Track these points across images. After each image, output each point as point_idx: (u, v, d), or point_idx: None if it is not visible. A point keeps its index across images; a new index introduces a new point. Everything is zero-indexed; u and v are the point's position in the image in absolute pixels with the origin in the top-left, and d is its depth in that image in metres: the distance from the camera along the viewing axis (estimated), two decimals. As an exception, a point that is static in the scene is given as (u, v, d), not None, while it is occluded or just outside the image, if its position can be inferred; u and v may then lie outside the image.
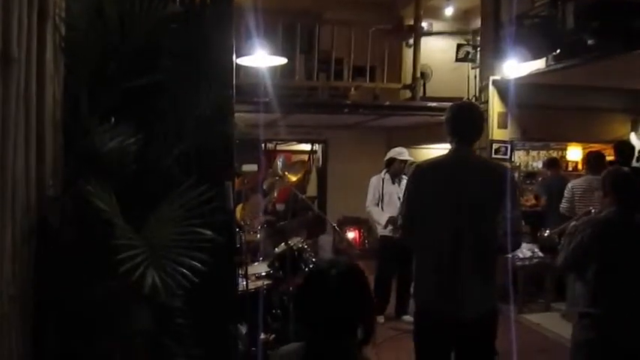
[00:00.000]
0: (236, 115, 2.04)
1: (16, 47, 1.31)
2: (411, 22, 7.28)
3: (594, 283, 2.62)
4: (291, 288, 3.95)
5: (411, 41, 7.23)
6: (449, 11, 8.20)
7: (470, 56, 7.07)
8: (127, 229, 1.32)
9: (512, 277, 5.27)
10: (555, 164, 6.32)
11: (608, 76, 5.46)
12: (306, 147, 9.51)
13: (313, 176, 9.27)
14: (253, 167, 4.61)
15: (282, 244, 4.23)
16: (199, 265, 1.32)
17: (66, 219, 1.43)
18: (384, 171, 5.44)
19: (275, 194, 5.58)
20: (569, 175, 6.30)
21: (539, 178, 7.01)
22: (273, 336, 3.91)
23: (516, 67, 5.75)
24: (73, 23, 1.59)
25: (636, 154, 5.80)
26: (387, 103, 6.98)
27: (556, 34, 5.05)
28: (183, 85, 1.71)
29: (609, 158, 5.95)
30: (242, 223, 4.35)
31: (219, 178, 1.82)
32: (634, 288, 2.58)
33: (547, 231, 4.82)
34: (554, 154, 7.13)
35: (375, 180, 5.46)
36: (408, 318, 5.28)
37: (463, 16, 8.31)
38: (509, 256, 4.45)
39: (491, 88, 6.29)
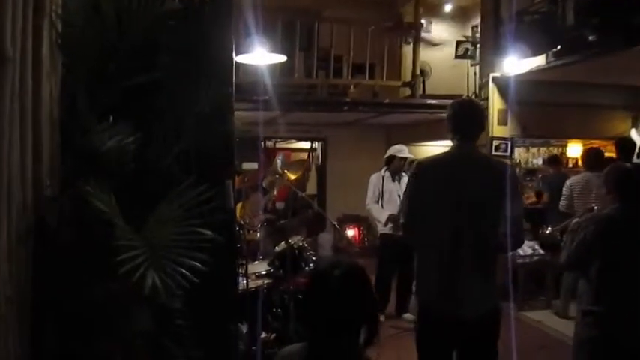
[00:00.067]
0: (235, 113, 2.02)
1: (10, 46, 1.29)
2: (411, 20, 7.26)
3: (597, 280, 2.61)
4: (291, 287, 3.94)
5: (409, 39, 7.21)
6: (448, 8, 8.18)
7: (469, 53, 7.05)
8: (126, 229, 1.30)
9: (513, 274, 5.27)
10: (556, 161, 6.30)
11: (608, 73, 5.44)
12: (306, 145, 9.49)
13: (313, 174, 9.25)
14: (253, 165, 4.60)
15: (283, 242, 4.21)
16: (200, 265, 1.30)
17: (64, 219, 1.41)
18: (384, 169, 5.42)
19: (275, 192, 5.56)
20: (570, 172, 6.28)
21: (540, 175, 7.00)
22: (273, 335, 3.90)
23: (516, 63, 5.73)
24: (70, 20, 1.57)
25: (637, 150, 5.78)
26: (387, 100, 6.97)
27: (556, 30, 5.04)
28: (183, 83, 1.69)
29: (609, 155, 5.94)
30: (242, 221, 4.33)
31: (220, 176, 1.80)
32: (636, 285, 2.57)
33: (548, 228, 4.81)
34: (555, 151, 7.11)
35: (375, 178, 5.44)
36: (409, 316, 5.27)
37: (462, 13, 8.28)
38: (510, 254, 4.44)
39: (491, 85, 6.27)
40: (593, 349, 2.62)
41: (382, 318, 5.18)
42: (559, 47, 5.08)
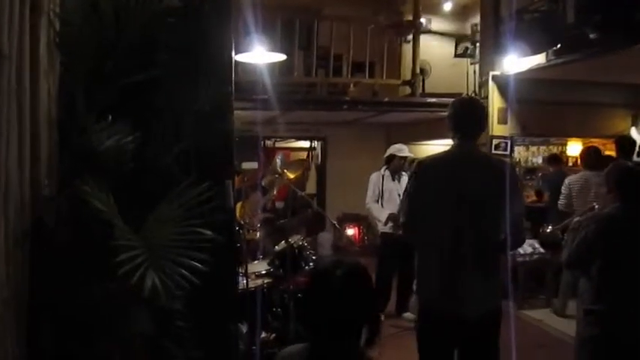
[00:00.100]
0: (235, 112, 2.00)
1: (6, 43, 1.27)
2: (410, 18, 7.24)
3: (598, 279, 2.60)
4: (291, 286, 3.93)
5: (408, 37, 7.19)
6: (447, 7, 8.17)
7: (469, 52, 7.04)
8: (125, 229, 1.28)
9: (513, 273, 5.26)
10: (557, 160, 6.29)
11: (608, 71, 5.42)
12: (305, 144, 9.47)
13: (312, 173, 9.24)
14: (253, 165, 4.59)
15: (282, 242, 4.20)
16: (200, 265, 1.29)
17: (62, 219, 1.39)
18: (384, 167, 5.41)
19: (274, 192, 5.55)
20: (570, 170, 6.27)
21: (539, 174, 6.99)
22: (273, 335, 3.89)
23: (516, 62, 5.71)
24: (68, 18, 1.55)
25: (637, 149, 5.78)
26: (387, 99, 6.95)
27: (556, 28, 5.02)
28: (182, 81, 1.68)
29: (609, 153, 5.93)
30: (242, 221, 4.32)
31: (219, 176, 1.78)
32: (638, 284, 2.56)
33: (549, 227, 4.80)
34: (554, 150, 7.10)
35: (374, 177, 5.43)
36: (409, 315, 5.26)
37: (462, 11, 8.27)
38: (510, 252, 4.43)
39: (490, 83, 6.26)
40: (594, 348, 2.62)
41: (382, 317, 5.17)
42: (559, 45, 5.06)
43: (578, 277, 3.74)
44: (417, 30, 7.07)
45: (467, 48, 7.07)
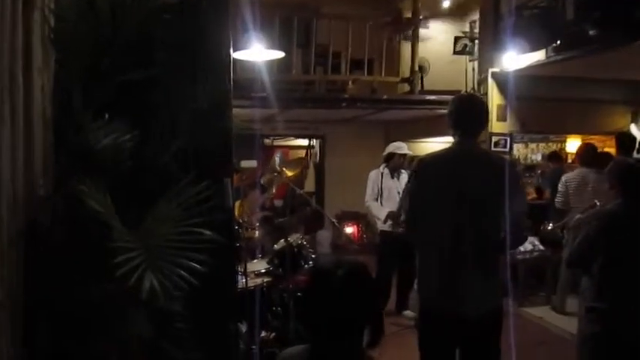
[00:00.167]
0: (233, 110, 1.98)
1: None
2: (409, 15, 7.22)
3: (600, 276, 2.59)
4: (291, 285, 3.91)
5: (407, 34, 7.17)
6: (446, 4, 8.13)
7: (467, 49, 7.02)
8: (122, 230, 1.26)
9: (513, 270, 5.25)
10: (557, 157, 6.28)
11: (608, 68, 5.41)
12: (304, 142, 9.45)
13: (311, 171, 9.21)
14: (252, 163, 4.56)
15: (281, 240, 4.18)
16: (199, 266, 1.26)
17: (58, 220, 1.37)
18: (383, 165, 5.39)
19: (273, 190, 5.53)
20: (570, 167, 6.26)
21: (539, 171, 6.98)
22: (273, 334, 3.87)
23: (515, 59, 5.69)
24: (63, 14, 1.53)
25: (637, 145, 5.77)
26: (385, 96, 6.93)
27: (556, 25, 5.00)
28: (179, 78, 1.65)
29: (608, 150, 5.92)
30: (240, 220, 4.30)
31: (218, 174, 1.76)
32: (639, 282, 2.54)
33: (550, 224, 4.79)
34: (554, 147, 7.09)
35: (374, 174, 5.41)
36: (409, 313, 5.25)
37: (460, 8, 8.24)
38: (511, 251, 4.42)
39: (490, 80, 6.25)
40: (596, 345, 2.61)
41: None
42: (559, 42, 5.04)
43: (576, 274, 3.73)
44: (416, 27, 7.04)
45: (466, 45, 7.05)
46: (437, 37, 8.06)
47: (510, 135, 6.32)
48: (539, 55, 5.46)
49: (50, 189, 1.46)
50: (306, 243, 4.36)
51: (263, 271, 4.05)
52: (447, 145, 2.73)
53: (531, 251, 5.67)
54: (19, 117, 1.32)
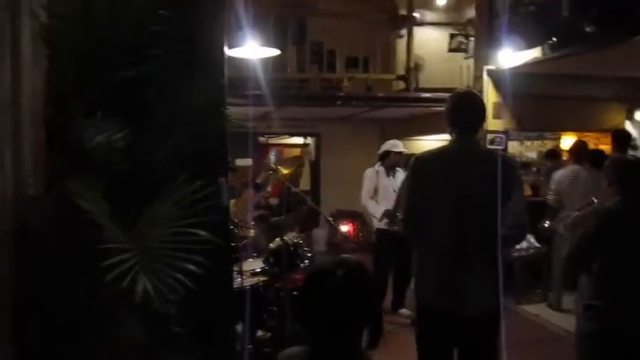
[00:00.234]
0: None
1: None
2: (404, 12, 7.20)
3: (598, 274, 2.57)
4: (287, 284, 3.88)
5: (403, 32, 7.15)
6: (441, 1, 8.12)
7: (462, 46, 7.02)
8: (115, 231, 1.22)
9: (509, 268, 5.25)
10: (555, 154, 6.28)
11: (604, 65, 5.40)
12: (299, 140, 9.41)
13: (306, 169, 9.19)
14: (247, 162, 4.54)
15: (277, 239, 4.15)
16: (194, 268, 1.23)
17: (49, 220, 1.33)
18: (379, 163, 5.37)
19: (269, 188, 5.50)
20: (567, 165, 6.26)
21: (534, 169, 6.98)
22: (269, 334, 3.85)
23: (511, 56, 5.68)
24: (54, 9, 1.49)
25: (631, 142, 5.78)
26: (381, 94, 6.90)
27: (552, 22, 4.99)
28: (174, 76, 1.61)
29: (603, 147, 5.92)
30: (235, 219, 4.26)
31: (213, 173, 1.72)
32: (639, 279, 2.53)
33: (547, 222, 4.78)
34: (549, 144, 7.10)
35: (369, 173, 5.39)
36: (405, 311, 5.25)
37: (455, 5, 8.23)
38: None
39: (485, 78, 6.23)
40: (594, 343, 2.60)
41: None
42: (555, 39, 5.03)
43: (571, 271, 3.72)
44: (411, 24, 7.02)
45: (461, 42, 7.05)
46: (432, 35, 8.04)
47: (506, 132, 6.32)
48: (535, 53, 5.44)
49: (42, 189, 1.42)
50: (302, 241, 4.33)
51: (259, 270, 4.02)
52: (443, 143, 2.71)
53: (527, 249, 5.67)
54: (6, 116, 1.29)
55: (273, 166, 4.80)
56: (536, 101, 6.18)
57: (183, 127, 1.60)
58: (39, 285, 1.33)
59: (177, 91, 1.64)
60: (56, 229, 1.32)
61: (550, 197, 5.12)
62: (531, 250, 5.69)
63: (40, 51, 1.47)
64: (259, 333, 3.82)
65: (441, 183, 2.52)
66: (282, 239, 4.01)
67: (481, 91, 6.20)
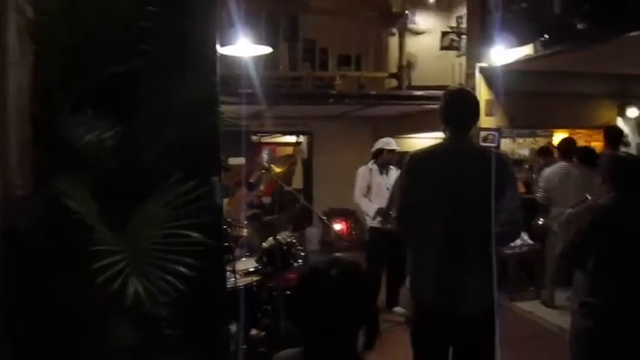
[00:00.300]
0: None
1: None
2: (397, 10, 7.18)
3: (593, 271, 2.57)
4: (280, 284, 3.86)
5: (394, 30, 7.13)
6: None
7: (454, 44, 7.01)
8: (105, 232, 1.19)
9: (503, 265, 5.25)
10: (547, 152, 6.30)
11: (596, 62, 5.42)
12: (291, 139, 9.38)
13: (298, 168, 9.16)
14: (240, 160, 4.50)
15: (270, 238, 4.13)
16: (187, 270, 1.20)
17: (36, 221, 1.30)
18: (372, 162, 5.35)
19: (262, 187, 5.47)
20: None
21: (526, 166, 6.99)
22: (263, 333, 3.83)
23: (503, 53, 5.68)
24: (40, 5, 1.45)
25: (623, 139, 5.80)
26: (373, 92, 6.89)
27: (544, 19, 4.99)
28: (165, 72, 1.58)
29: (595, 144, 5.95)
30: (228, 218, 4.23)
31: (206, 172, 1.69)
32: (633, 276, 2.53)
33: (541, 219, 4.79)
34: (541, 142, 7.12)
35: (362, 171, 5.37)
36: (399, 310, 5.24)
37: (447, 3, 8.22)
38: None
39: (477, 75, 6.23)
40: (589, 340, 2.59)
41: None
42: (547, 36, 5.04)
43: (565, 268, 3.72)
44: (404, 22, 7.01)
45: (452, 40, 7.05)
46: (424, 32, 8.03)
47: (499, 130, 6.32)
48: (527, 50, 5.45)
49: (29, 189, 1.39)
50: (295, 240, 4.31)
51: (252, 269, 4.00)
52: (436, 141, 2.69)
53: (520, 246, 5.68)
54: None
55: (266, 165, 4.77)
56: (529, 98, 6.19)
57: (175, 125, 1.57)
58: (27, 287, 1.30)
59: (169, 89, 1.61)
60: (44, 229, 1.28)
61: (539, 194, 5.13)
62: (525, 248, 5.70)
63: (26, 46, 1.43)
64: (253, 332, 3.80)
65: (435, 181, 2.51)
66: (275, 238, 3.98)
67: (473, 89, 6.20)
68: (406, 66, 7.08)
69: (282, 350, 1.54)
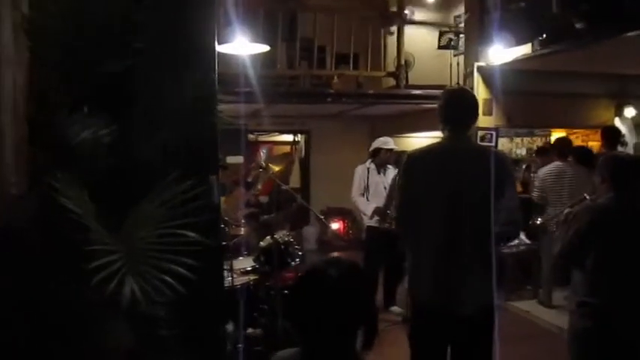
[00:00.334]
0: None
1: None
2: (395, 9, 7.17)
3: (592, 271, 2.56)
4: (278, 283, 3.85)
5: (393, 29, 7.12)
6: (431, -2, 8.12)
7: (452, 43, 7.00)
8: (102, 232, 1.18)
9: (501, 264, 5.24)
10: (546, 151, 6.30)
11: (595, 61, 5.42)
12: (289, 138, 9.37)
13: (296, 167, 9.14)
14: (237, 159, 4.49)
15: (268, 237, 4.12)
16: (184, 271, 1.18)
17: (32, 220, 1.28)
18: (369, 161, 5.35)
19: (259, 186, 5.46)
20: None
21: (524, 165, 6.99)
22: (260, 332, 3.82)
23: (501, 53, 5.68)
24: (36, 2, 1.43)
25: (620, 138, 5.81)
26: (371, 91, 6.88)
27: (542, 18, 4.99)
28: (162, 69, 1.56)
29: (592, 143, 5.95)
30: (225, 217, 4.22)
31: (204, 171, 1.68)
32: (632, 276, 2.53)
33: (539, 219, 4.79)
34: (539, 141, 7.12)
35: (360, 170, 5.37)
36: (396, 309, 5.23)
37: (445, 2, 8.22)
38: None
39: (475, 74, 6.23)
40: (587, 340, 2.59)
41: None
42: (545, 36, 5.03)
43: (562, 268, 3.71)
44: (402, 21, 7.00)
45: (450, 39, 7.03)
46: (422, 31, 8.02)
47: (497, 129, 6.32)
48: (525, 49, 5.45)
49: (24, 188, 1.37)
50: (293, 240, 4.30)
51: (249, 268, 3.99)
52: (434, 140, 2.68)
53: (518, 245, 5.68)
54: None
55: (263, 164, 4.76)
56: (526, 98, 6.19)
57: (172, 123, 1.55)
58: (21, 286, 1.28)
59: (167, 87, 1.59)
60: (39, 228, 1.27)
61: (535, 194, 5.14)
62: (522, 247, 5.70)
63: (21, 44, 1.42)
64: (250, 331, 3.79)
65: (434, 180, 2.50)
66: (272, 237, 3.97)
67: (471, 88, 6.20)
68: (404, 65, 7.07)
69: (279, 349, 1.53)
